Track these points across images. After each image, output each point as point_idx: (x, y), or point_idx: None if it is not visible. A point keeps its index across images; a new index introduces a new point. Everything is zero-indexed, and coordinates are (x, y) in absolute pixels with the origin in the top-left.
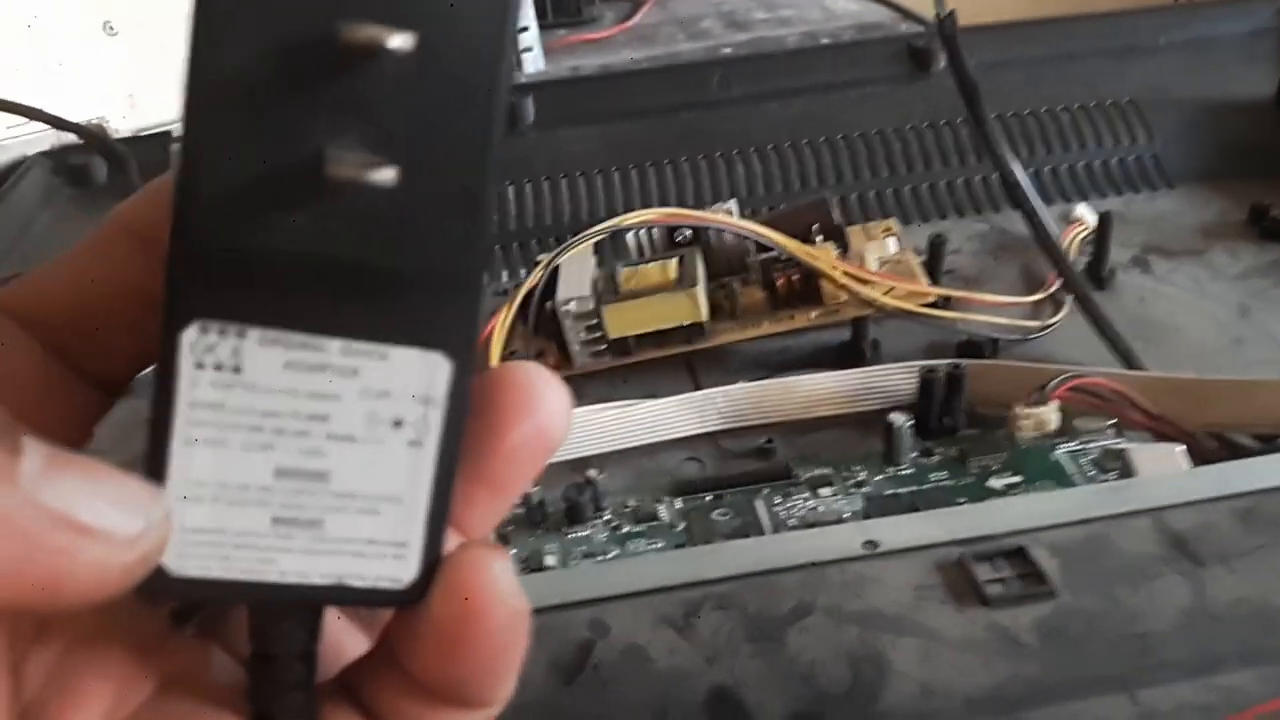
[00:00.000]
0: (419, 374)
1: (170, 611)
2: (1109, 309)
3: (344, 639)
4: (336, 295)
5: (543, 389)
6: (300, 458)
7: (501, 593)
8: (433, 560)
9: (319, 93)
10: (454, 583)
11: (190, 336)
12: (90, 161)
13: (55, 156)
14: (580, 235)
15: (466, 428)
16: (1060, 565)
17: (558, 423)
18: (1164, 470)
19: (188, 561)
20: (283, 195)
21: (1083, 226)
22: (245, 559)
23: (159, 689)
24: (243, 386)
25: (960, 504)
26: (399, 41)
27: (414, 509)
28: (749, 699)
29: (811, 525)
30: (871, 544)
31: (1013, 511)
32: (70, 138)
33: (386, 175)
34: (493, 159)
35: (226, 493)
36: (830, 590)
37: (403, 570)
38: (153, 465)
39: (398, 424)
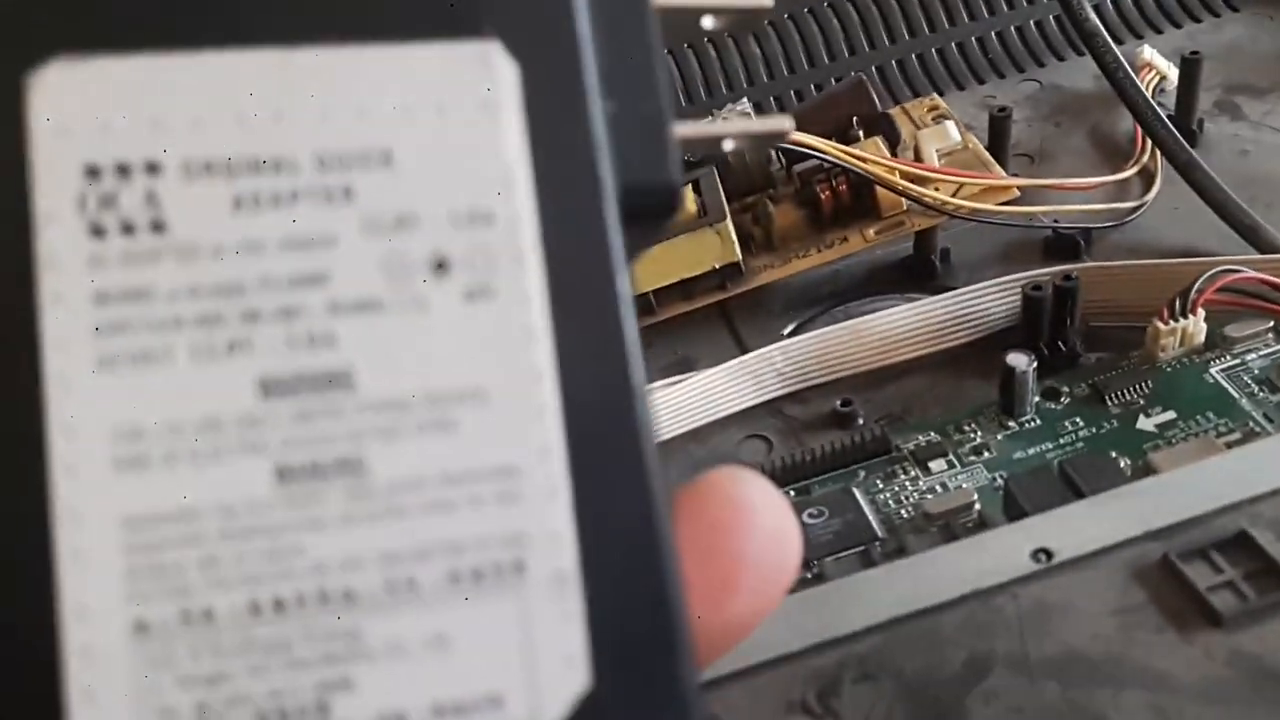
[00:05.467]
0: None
1: None
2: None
3: None
4: None
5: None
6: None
7: None
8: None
9: None
10: None
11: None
12: None
13: None
14: None
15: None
16: None
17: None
18: None
19: None
20: None
21: (1153, 73)
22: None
23: None
24: (176, 257)
25: (1119, 465)
26: None
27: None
28: None
29: (933, 519)
30: (1043, 553)
31: (1208, 477)
32: None
33: None
34: None
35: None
36: (1007, 630)
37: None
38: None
39: (440, 266)
